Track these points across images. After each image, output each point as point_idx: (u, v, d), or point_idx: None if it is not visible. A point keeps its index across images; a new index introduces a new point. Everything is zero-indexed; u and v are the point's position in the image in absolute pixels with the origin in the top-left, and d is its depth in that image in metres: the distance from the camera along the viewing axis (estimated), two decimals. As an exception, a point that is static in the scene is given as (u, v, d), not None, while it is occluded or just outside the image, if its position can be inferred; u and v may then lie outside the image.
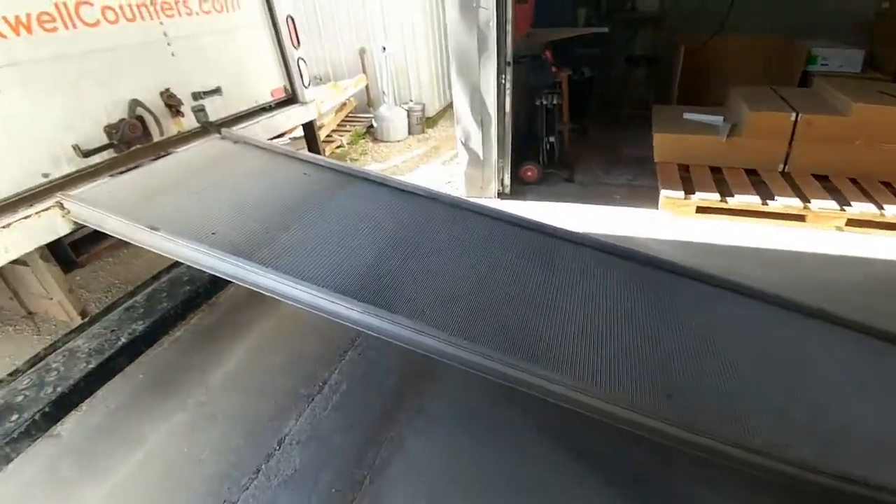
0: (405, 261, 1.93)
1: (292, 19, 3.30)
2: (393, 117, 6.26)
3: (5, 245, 1.85)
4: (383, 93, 6.34)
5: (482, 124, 4.02)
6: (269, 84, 3.31)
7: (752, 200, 3.53)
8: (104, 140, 2.28)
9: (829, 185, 3.63)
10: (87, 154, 2.17)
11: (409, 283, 1.79)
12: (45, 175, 2.06)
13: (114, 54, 2.28)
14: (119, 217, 1.93)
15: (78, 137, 2.17)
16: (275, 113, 3.29)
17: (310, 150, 3.81)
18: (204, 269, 1.84)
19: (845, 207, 3.32)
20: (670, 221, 3.75)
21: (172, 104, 2.58)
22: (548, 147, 4.40)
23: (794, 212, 3.42)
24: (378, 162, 5.82)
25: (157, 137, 2.55)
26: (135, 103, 2.38)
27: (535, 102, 4.16)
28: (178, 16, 2.59)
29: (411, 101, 6.65)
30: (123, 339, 1.97)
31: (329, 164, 2.67)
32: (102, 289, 3.36)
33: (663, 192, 3.80)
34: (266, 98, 3.29)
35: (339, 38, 6.57)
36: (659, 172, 4.21)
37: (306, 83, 3.53)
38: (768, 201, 3.49)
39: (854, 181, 3.64)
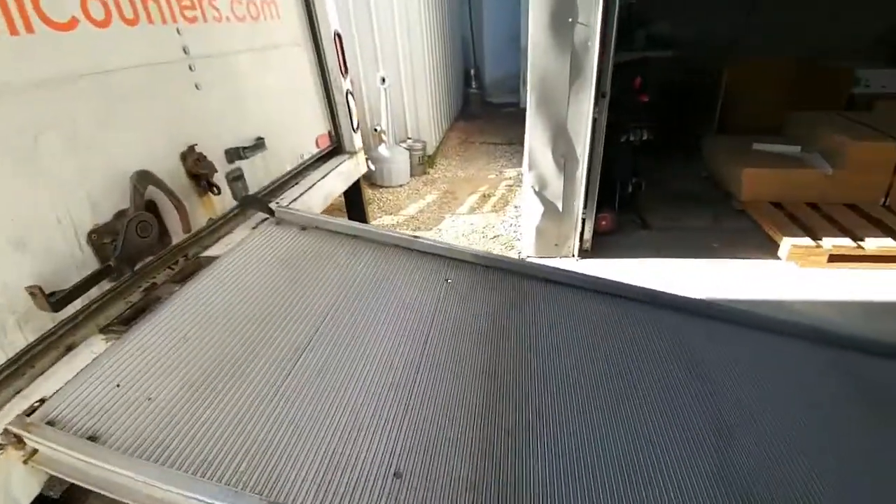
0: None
1: (339, 37, 2.27)
2: (395, 158, 5.26)
3: None
4: (377, 130, 5.34)
5: (564, 168, 3.19)
6: (314, 129, 2.23)
7: (888, 244, 3.00)
8: (89, 260, 1.11)
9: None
10: (59, 302, 0.99)
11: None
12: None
13: (102, 86, 1.14)
14: (145, 473, 0.80)
15: (38, 268, 0.98)
16: (327, 170, 2.20)
17: (352, 215, 2.74)
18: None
19: None
20: (799, 274, 3.12)
21: (202, 172, 1.44)
22: (630, 190, 3.66)
23: (950, 255, 2.92)
24: (389, 213, 4.76)
25: (177, 237, 1.38)
26: (143, 180, 1.23)
27: (619, 138, 3.41)
28: (203, 20, 1.48)
29: (409, 138, 5.70)
30: None
31: (469, 255, 1.66)
32: None
33: (789, 240, 3.18)
34: (311, 149, 2.20)
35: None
36: (756, 214, 3.62)
37: (355, 126, 2.48)
38: None
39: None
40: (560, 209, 3.33)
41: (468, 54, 8.57)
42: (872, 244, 3.05)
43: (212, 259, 1.44)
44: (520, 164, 5.88)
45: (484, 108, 8.59)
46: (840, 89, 4.55)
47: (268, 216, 1.70)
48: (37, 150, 0.98)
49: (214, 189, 1.49)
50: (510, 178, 5.49)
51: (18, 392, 0.96)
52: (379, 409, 1.03)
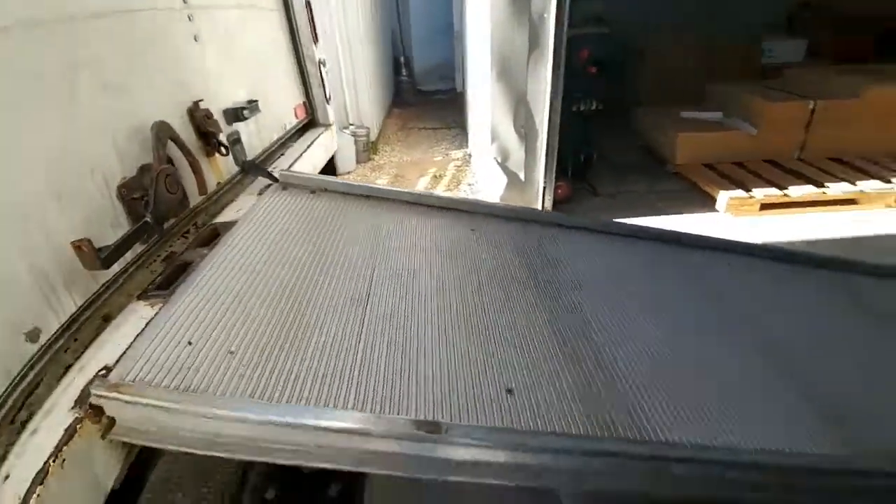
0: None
1: (309, 4, 2.18)
2: (341, 145, 5.09)
3: None
4: (318, 117, 5.14)
5: (526, 139, 3.32)
6: (292, 98, 2.13)
7: (810, 191, 3.50)
8: (121, 216, 0.99)
9: (847, 167, 3.82)
10: (108, 258, 0.87)
11: None
12: (33, 336, 0.74)
13: (119, 27, 1.02)
14: (273, 412, 0.76)
15: (77, 223, 0.86)
16: (309, 141, 2.11)
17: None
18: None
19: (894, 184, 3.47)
20: (734, 223, 3.54)
21: (210, 130, 1.32)
22: (583, 159, 3.89)
23: (850, 196, 3.48)
24: (342, 201, 4.62)
25: (194, 199, 1.27)
26: (163, 131, 1.11)
27: (571, 109, 3.61)
28: (195, -34, 1.36)
29: (352, 124, 5.56)
30: None
31: (488, 208, 1.69)
32: None
33: (725, 194, 3.58)
34: (292, 119, 2.10)
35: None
36: (692, 175, 4.05)
37: (328, 97, 2.40)
38: (823, 190, 3.50)
39: (864, 159, 3.90)
40: (522, 179, 3.46)
41: (396, 43, 8.50)
42: (796, 192, 3.53)
43: (229, 224, 1.34)
44: (464, 146, 5.98)
45: (417, 96, 8.59)
46: (751, 60, 5.17)
47: (271, 182, 1.60)
48: (70, 89, 0.85)
49: (223, 149, 1.38)
50: (457, 158, 5.58)
51: (68, 367, 0.84)
52: (469, 341, 1.04)
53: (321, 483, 1.43)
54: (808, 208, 3.55)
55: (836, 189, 3.48)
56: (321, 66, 2.30)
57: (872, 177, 3.61)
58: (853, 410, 1.01)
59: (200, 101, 1.31)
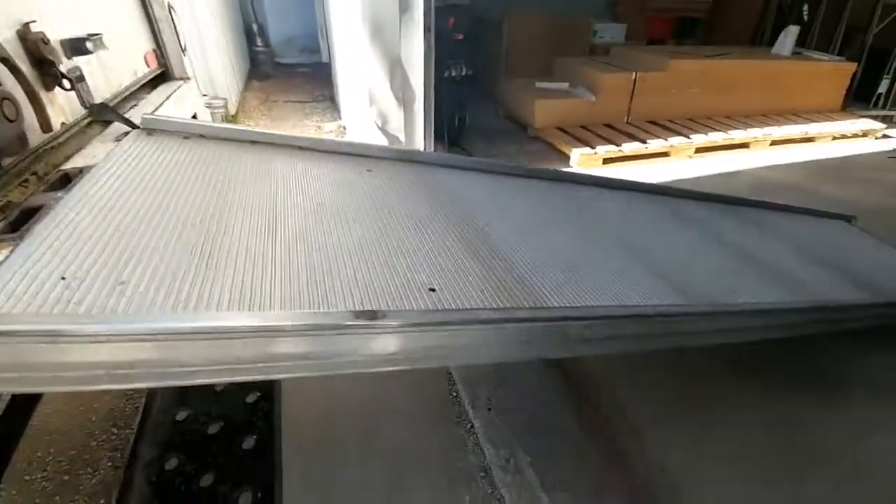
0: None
1: (147, -67, 1.91)
2: (199, 116, 4.56)
3: None
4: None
5: (404, 102, 3.37)
6: (140, 44, 1.86)
7: (638, 146, 4.19)
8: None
9: (660, 127, 4.66)
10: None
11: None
12: None
13: None
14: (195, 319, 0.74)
15: None
16: (166, 94, 1.88)
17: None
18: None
19: (692, 139, 4.33)
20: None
21: (48, 58, 1.11)
22: (457, 123, 4.07)
23: (664, 150, 4.24)
24: (205, 178, 4.16)
25: (34, 140, 1.07)
26: (-11, 47, 0.91)
27: (443, 75, 3.75)
28: None
29: (205, 95, 4.98)
30: None
31: (383, 151, 1.71)
32: None
33: (577, 151, 4.09)
34: (143, 67, 1.84)
35: None
36: (548, 137, 4.52)
37: (183, 46, 2.15)
38: (646, 146, 4.22)
39: (671, 121, 4.78)
40: (403, 142, 3.51)
41: (247, 9, 7.76)
42: (628, 147, 4.17)
43: (85, 169, 1.15)
44: (336, 119, 5.79)
45: (276, 69, 7.99)
46: (584, 39, 5.87)
47: (129, 129, 1.40)
48: None
49: (65, 82, 1.17)
50: (331, 131, 5.39)
51: None
52: (389, 255, 1.07)
53: (230, 439, 1.36)
54: (637, 160, 4.26)
55: (654, 144, 4.23)
56: (171, 10, 2.04)
57: (678, 134, 4.45)
58: (675, 271, 1.32)
59: (33, 22, 1.09)
